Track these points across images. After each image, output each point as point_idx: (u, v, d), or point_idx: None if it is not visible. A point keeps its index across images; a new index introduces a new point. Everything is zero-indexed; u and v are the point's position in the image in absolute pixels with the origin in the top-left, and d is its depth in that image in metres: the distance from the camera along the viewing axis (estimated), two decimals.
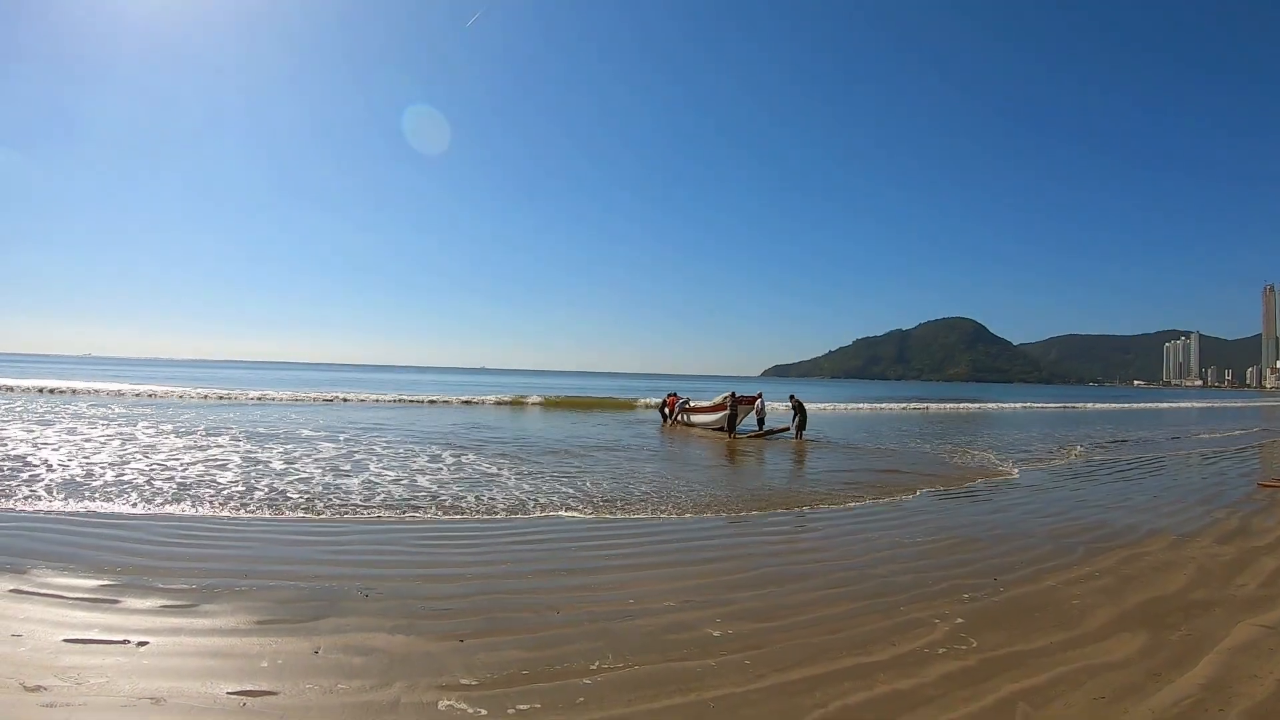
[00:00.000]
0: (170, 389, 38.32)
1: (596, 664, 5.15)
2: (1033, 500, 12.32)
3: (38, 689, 4.33)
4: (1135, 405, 68.16)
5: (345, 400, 38.57)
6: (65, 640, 5.17)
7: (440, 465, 15.05)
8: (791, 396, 24.97)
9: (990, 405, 58.02)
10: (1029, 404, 63.36)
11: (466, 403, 39.10)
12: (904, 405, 50.56)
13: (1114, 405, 65.30)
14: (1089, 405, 64.18)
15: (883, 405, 49.91)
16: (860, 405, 50.21)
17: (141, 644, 5.18)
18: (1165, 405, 72.41)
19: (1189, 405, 73.52)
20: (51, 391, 33.44)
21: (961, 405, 54.91)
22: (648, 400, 43.89)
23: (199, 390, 39.46)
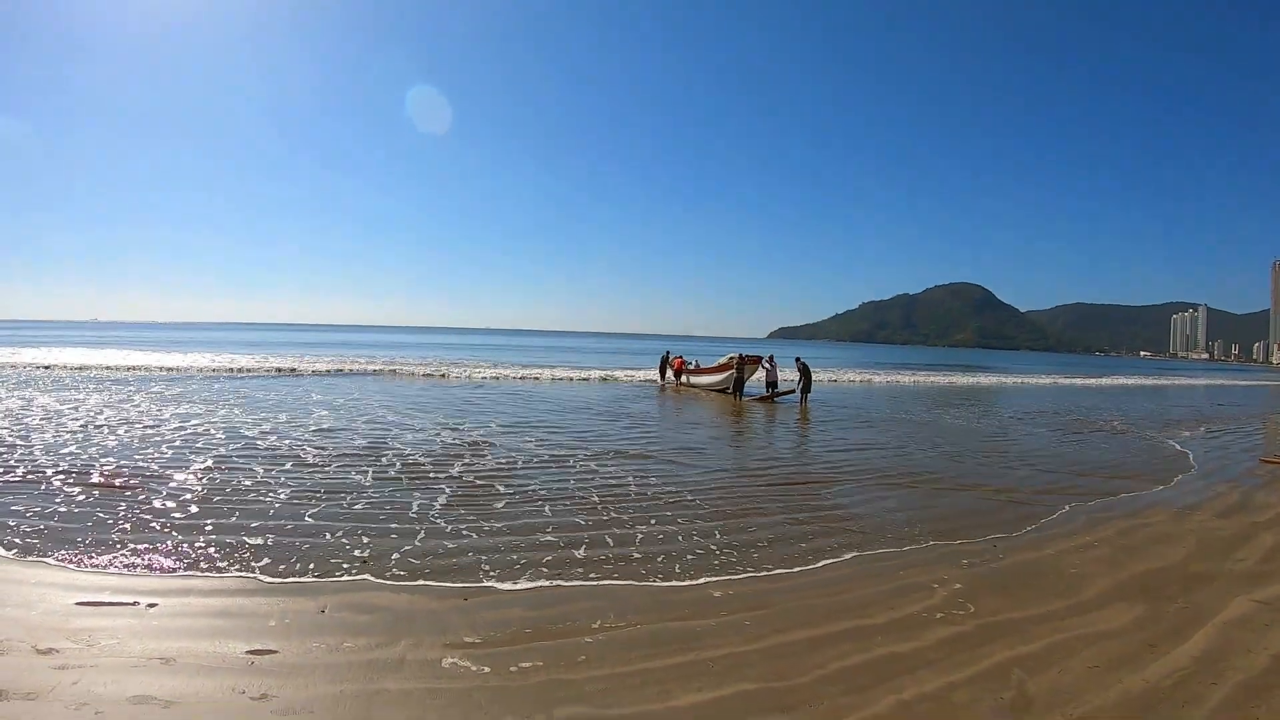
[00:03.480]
0: (184, 360, 33.95)
1: (598, 623, 5.21)
2: (1032, 465, 12.28)
3: (50, 651, 4.39)
4: (1180, 380, 60.79)
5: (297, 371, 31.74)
6: (76, 603, 5.23)
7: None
8: (798, 359, 24.79)
9: (1030, 379, 49.82)
10: (1055, 376, 54.24)
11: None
12: (947, 377, 46.58)
13: (1154, 379, 59.26)
14: (1140, 379, 56.41)
15: (919, 376, 45.67)
16: (899, 376, 45.18)
17: (151, 605, 5.24)
18: (1212, 381, 63.57)
19: (1241, 383, 62.47)
20: (47, 367, 28.99)
21: (984, 377, 51.03)
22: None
23: (207, 360, 34.63)
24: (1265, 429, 21.06)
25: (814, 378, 25.21)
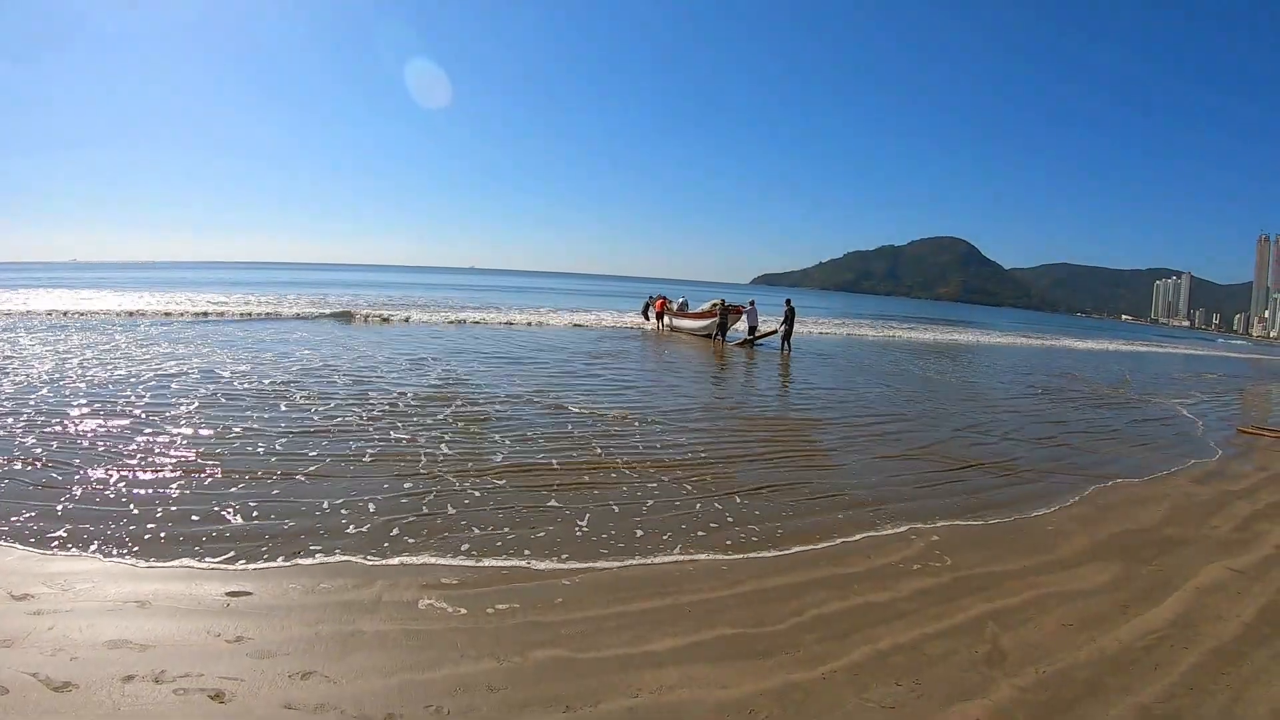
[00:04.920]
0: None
1: (578, 567, 5.21)
2: (1018, 424, 12.32)
3: (25, 597, 4.31)
4: (1165, 348, 55.86)
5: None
6: (53, 547, 5.12)
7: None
8: (787, 301, 24.51)
9: (1018, 339, 46.41)
10: (1042, 337, 50.61)
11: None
12: (935, 333, 43.52)
13: (1140, 345, 55.72)
14: (1125, 344, 52.49)
15: (905, 331, 42.82)
16: (886, 331, 42.02)
17: (127, 549, 5.14)
18: (1200, 350, 57.16)
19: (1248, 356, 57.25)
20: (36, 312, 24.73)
21: (970, 334, 47.19)
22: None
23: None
24: (1243, 398, 21.28)
25: (798, 327, 24.95)
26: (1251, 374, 34.03)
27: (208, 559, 4.97)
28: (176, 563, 4.91)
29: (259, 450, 7.82)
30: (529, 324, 30.19)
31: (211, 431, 8.47)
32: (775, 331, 24.13)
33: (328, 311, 29.58)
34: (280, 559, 5.03)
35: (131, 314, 25.82)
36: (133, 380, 11.53)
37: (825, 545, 5.92)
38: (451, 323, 28.69)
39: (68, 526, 5.49)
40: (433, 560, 5.17)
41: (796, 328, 24.66)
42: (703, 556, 5.53)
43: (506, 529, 5.88)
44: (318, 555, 5.14)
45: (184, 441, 7.98)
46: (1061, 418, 13.80)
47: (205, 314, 26.79)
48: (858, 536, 6.15)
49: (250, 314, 27.76)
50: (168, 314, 26.01)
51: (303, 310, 30.11)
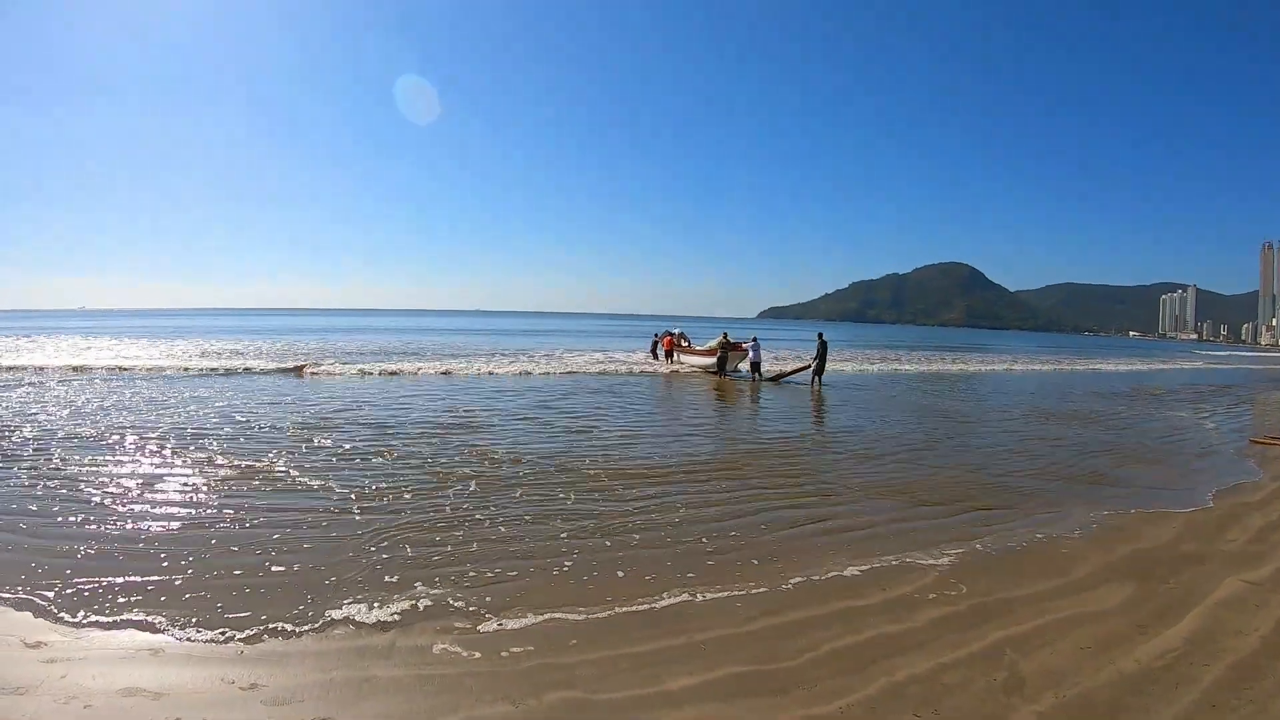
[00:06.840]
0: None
1: (591, 606, 5.19)
2: (1023, 447, 12.28)
3: (38, 645, 4.34)
4: (1173, 364, 53.94)
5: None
6: (67, 595, 5.13)
7: None
8: (819, 335, 24.53)
9: (1030, 365, 43.19)
10: (1055, 361, 47.82)
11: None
12: (949, 364, 40.66)
13: (1146, 363, 52.87)
14: (1133, 364, 49.92)
15: (920, 364, 38.92)
16: (898, 364, 38.08)
17: (139, 597, 5.16)
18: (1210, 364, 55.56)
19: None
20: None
21: (980, 362, 44.00)
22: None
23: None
24: (1254, 408, 21.14)
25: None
26: (1264, 383, 33.82)
27: (224, 613, 4.97)
28: (190, 611, 4.90)
29: (268, 495, 7.85)
30: (523, 372, 26.33)
31: (218, 485, 8.42)
32: (808, 367, 24.41)
33: (355, 367, 25.77)
34: (297, 609, 5.02)
35: (126, 369, 24.11)
36: (150, 429, 11.54)
37: (837, 577, 5.87)
38: (464, 373, 25.53)
39: (81, 574, 5.51)
40: (444, 602, 5.17)
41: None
42: (714, 593, 5.49)
43: (517, 569, 5.87)
44: (333, 601, 5.14)
45: (201, 491, 7.98)
46: (1072, 439, 13.70)
47: (232, 369, 24.54)
48: (867, 567, 6.10)
49: (264, 369, 25.18)
50: (186, 368, 24.28)
51: (306, 360, 27.72)
